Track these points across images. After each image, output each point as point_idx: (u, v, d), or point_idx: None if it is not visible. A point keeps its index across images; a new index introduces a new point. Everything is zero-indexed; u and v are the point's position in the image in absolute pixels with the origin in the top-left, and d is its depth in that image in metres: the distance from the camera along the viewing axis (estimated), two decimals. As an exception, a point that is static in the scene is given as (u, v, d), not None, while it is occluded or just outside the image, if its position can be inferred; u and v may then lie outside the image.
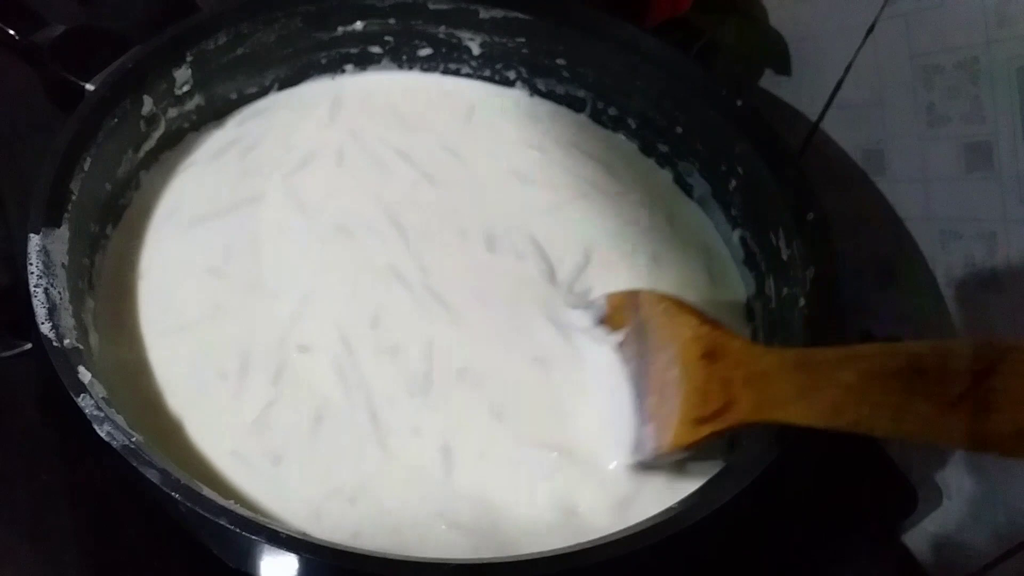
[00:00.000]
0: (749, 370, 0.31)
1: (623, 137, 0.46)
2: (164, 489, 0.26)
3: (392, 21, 0.44)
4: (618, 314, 0.37)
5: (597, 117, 0.46)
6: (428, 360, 0.35)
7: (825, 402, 0.28)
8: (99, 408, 0.27)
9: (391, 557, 0.26)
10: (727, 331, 0.33)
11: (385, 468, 0.33)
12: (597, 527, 0.31)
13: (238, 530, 0.26)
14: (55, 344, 0.29)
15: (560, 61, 0.45)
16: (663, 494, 0.33)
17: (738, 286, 0.41)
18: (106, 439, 0.27)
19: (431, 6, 0.44)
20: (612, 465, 0.34)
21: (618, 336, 0.36)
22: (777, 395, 0.30)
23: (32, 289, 0.30)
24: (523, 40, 0.45)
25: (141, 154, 0.39)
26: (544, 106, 0.47)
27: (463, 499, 0.32)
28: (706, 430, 0.32)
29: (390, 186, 0.41)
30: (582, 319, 0.37)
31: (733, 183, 0.42)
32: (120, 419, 0.28)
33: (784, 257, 0.38)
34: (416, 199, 0.41)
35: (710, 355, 0.32)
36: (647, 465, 0.34)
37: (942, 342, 0.26)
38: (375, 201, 0.40)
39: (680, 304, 0.34)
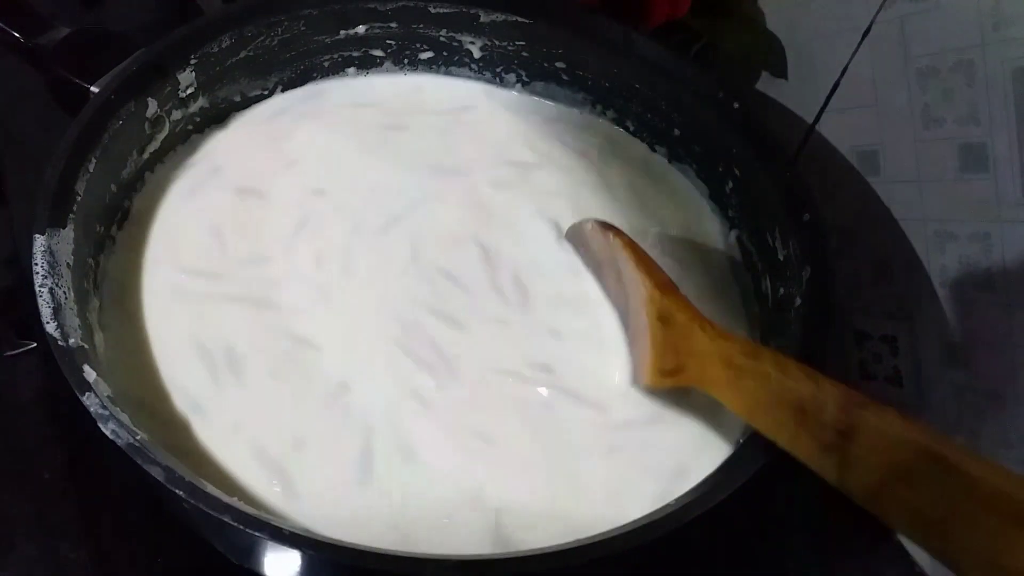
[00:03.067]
0: (690, 346, 0.33)
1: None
2: (168, 486, 0.26)
3: (394, 25, 0.45)
4: (589, 245, 0.39)
5: (596, 119, 0.47)
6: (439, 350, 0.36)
7: (745, 402, 0.30)
8: (104, 406, 0.28)
9: (394, 553, 0.26)
10: (678, 299, 0.34)
11: (397, 470, 0.33)
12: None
13: (242, 527, 0.26)
14: (60, 343, 0.29)
15: (559, 64, 0.46)
16: (662, 493, 0.33)
17: (739, 283, 0.41)
18: (111, 437, 0.27)
19: (432, 10, 0.44)
20: (616, 379, 0.36)
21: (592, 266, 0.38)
22: (711, 376, 0.32)
23: (37, 289, 0.30)
24: (523, 43, 0.45)
25: (146, 155, 0.39)
26: (542, 107, 0.47)
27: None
28: (669, 383, 0.34)
29: (390, 186, 0.42)
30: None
31: (730, 184, 0.42)
32: (124, 417, 0.28)
33: (780, 257, 0.38)
34: (416, 204, 0.41)
35: (663, 319, 0.34)
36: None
37: (822, 388, 0.28)
38: (378, 205, 0.41)
39: (640, 258, 0.36)
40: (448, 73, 0.47)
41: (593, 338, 0.38)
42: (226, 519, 0.26)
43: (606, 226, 0.38)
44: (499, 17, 0.44)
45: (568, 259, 0.40)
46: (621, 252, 0.36)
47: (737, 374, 0.30)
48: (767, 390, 0.29)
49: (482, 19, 0.45)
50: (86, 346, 0.30)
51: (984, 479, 0.23)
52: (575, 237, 0.40)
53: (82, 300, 0.32)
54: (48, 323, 0.29)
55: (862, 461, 0.26)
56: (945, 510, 0.24)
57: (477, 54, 0.46)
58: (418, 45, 0.46)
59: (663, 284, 0.35)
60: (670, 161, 0.45)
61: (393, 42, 0.46)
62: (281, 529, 0.26)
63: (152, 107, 0.38)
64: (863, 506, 0.26)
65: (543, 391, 0.35)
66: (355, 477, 0.32)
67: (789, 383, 0.28)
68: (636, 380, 0.36)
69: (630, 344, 0.37)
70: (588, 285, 0.39)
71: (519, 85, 0.47)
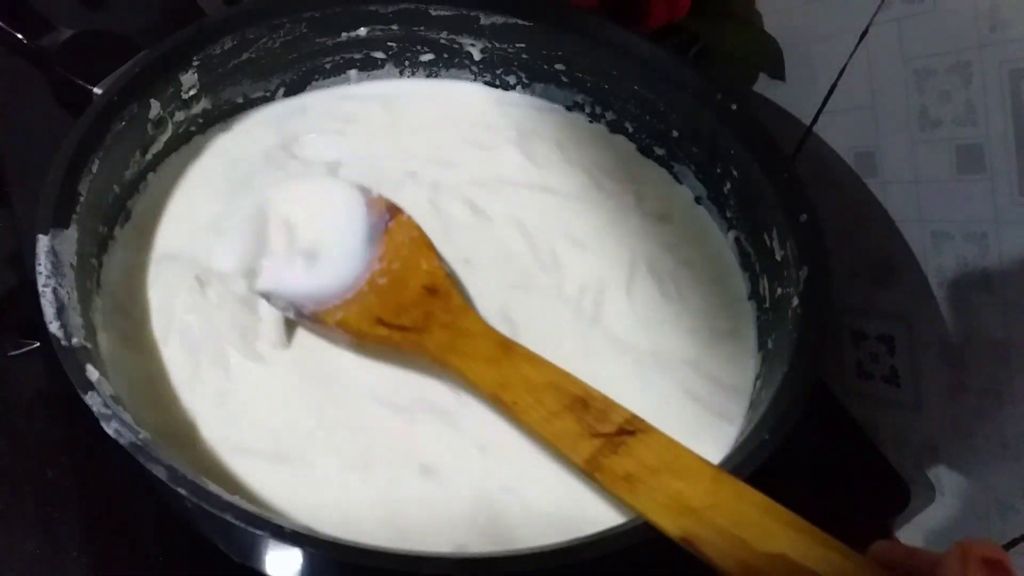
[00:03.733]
0: (456, 320, 0.34)
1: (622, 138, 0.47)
2: (171, 485, 0.26)
3: (395, 27, 0.45)
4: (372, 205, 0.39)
5: (595, 121, 0.47)
6: None
7: (498, 375, 0.32)
8: (106, 405, 0.28)
9: (394, 551, 0.27)
10: (457, 287, 0.36)
11: (399, 470, 0.33)
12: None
13: (243, 525, 0.26)
14: (63, 343, 0.29)
15: (559, 66, 0.46)
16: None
17: (738, 285, 0.42)
18: (113, 436, 0.27)
19: (433, 12, 0.44)
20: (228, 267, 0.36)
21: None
22: (464, 349, 0.33)
23: (40, 289, 0.30)
24: (523, 46, 0.46)
25: (148, 156, 0.39)
26: (541, 110, 0.47)
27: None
28: (381, 332, 0.34)
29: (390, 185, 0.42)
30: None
31: (728, 185, 0.42)
32: (127, 416, 0.28)
33: (778, 258, 0.38)
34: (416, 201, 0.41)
35: (431, 290, 0.36)
36: (270, 298, 0.35)
37: (612, 400, 0.32)
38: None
39: (427, 242, 0.37)
40: (448, 76, 0.47)
41: None
42: (228, 517, 0.26)
43: (396, 207, 0.38)
44: (499, 19, 0.45)
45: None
46: (407, 231, 0.37)
47: (506, 358, 0.33)
48: (546, 379, 0.32)
49: (482, 21, 0.45)
50: (89, 346, 0.30)
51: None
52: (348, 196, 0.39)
53: (85, 300, 0.32)
54: (51, 323, 0.29)
55: (632, 454, 0.29)
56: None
57: (477, 56, 0.46)
58: (419, 47, 0.46)
59: (449, 273, 0.37)
60: (668, 162, 0.45)
61: (394, 44, 0.46)
62: (283, 527, 0.26)
63: (155, 108, 0.39)
64: (609, 488, 0.30)
65: None
66: (358, 476, 0.32)
67: (580, 383, 0.32)
68: (311, 307, 0.35)
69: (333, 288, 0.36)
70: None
71: (519, 87, 0.47)
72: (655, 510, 0.28)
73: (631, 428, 0.30)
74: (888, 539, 0.39)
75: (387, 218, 0.38)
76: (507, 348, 0.33)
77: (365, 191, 0.39)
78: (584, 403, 0.31)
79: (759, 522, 0.27)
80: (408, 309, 0.35)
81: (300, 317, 0.35)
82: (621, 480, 0.29)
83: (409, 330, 0.34)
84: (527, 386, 0.32)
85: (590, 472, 0.30)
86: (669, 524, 0.27)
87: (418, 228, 0.38)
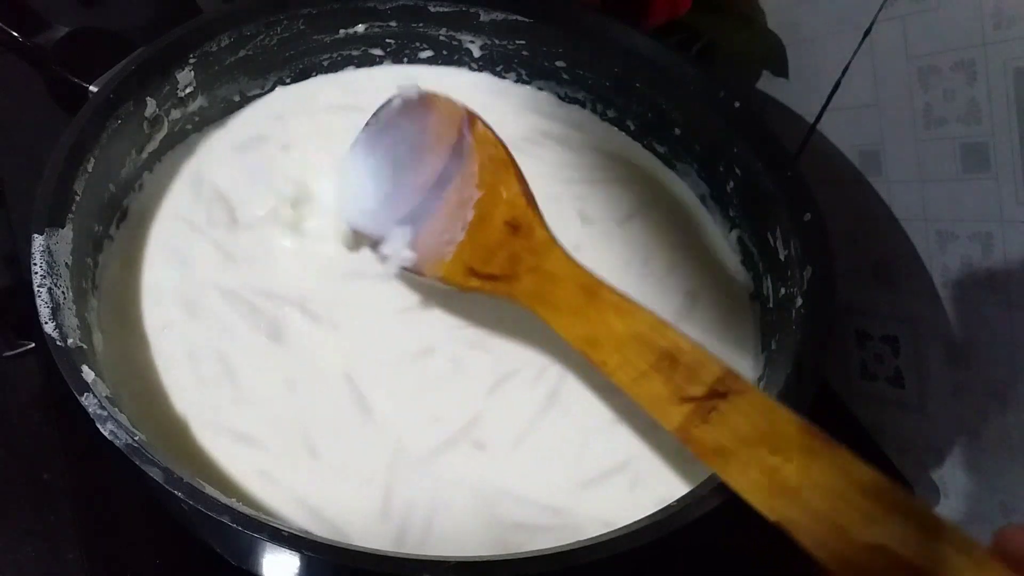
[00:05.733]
0: (541, 262, 0.32)
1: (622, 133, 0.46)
2: (167, 488, 0.26)
3: (393, 24, 0.45)
4: (438, 113, 0.36)
5: (596, 118, 0.47)
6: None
7: (586, 330, 0.30)
8: (102, 407, 0.27)
9: (392, 554, 0.26)
10: (539, 215, 0.33)
11: (401, 470, 0.33)
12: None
13: (240, 528, 0.26)
14: (58, 343, 0.29)
15: (560, 63, 0.46)
16: (663, 494, 0.33)
17: (741, 283, 0.41)
18: (109, 438, 0.27)
19: (432, 9, 0.44)
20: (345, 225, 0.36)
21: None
22: (552, 299, 0.31)
23: (36, 289, 0.30)
24: (523, 42, 0.45)
25: (144, 155, 0.39)
26: (543, 106, 0.47)
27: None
28: (474, 284, 0.33)
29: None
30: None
31: (731, 184, 0.42)
32: (123, 418, 0.28)
33: (782, 257, 0.38)
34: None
35: (514, 227, 0.33)
36: (386, 260, 0.35)
37: (703, 351, 0.29)
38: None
39: (510, 162, 0.34)
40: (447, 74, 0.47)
41: None
42: (225, 520, 0.26)
43: (474, 116, 0.35)
44: (499, 16, 0.44)
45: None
46: (488, 147, 0.34)
47: (592, 306, 0.31)
48: (632, 331, 0.30)
49: (482, 18, 0.44)
50: (85, 346, 0.30)
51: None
52: (406, 106, 0.37)
53: (81, 300, 0.32)
54: (47, 323, 0.29)
55: (726, 421, 0.27)
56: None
57: (477, 53, 0.46)
58: (417, 44, 0.46)
59: (528, 193, 0.34)
60: (670, 160, 0.45)
61: (392, 41, 0.46)
62: (280, 530, 0.26)
63: (151, 107, 0.38)
64: (702, 458, 0.28)
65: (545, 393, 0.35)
66: (358, 479, 0.32)
67: (669, 333, 0.30)
68: (419, 268, 0.34)
69: (408, 225, 0.35)
70: None
71: (519, 84, 0.47)
72: (748, 489, 0.26)
73: (723, 389, 0.28)
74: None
75: (467, 131, 0.34)
76: (593, 294, 0.31)
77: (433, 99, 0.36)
78: (673, 359, 0.29)
79: (860, 505, 0.24)
80: (495, 252, 0.32)
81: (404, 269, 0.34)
82: (712, 453, 0.27)
83: (499, 279, 0.32)
84: (614, 342, 0.30)
85: (682, 441, 0.28)
86: (763, 506, 0.26)
87: (497, 143, 0.34)
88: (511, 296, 0.32)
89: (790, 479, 0.25)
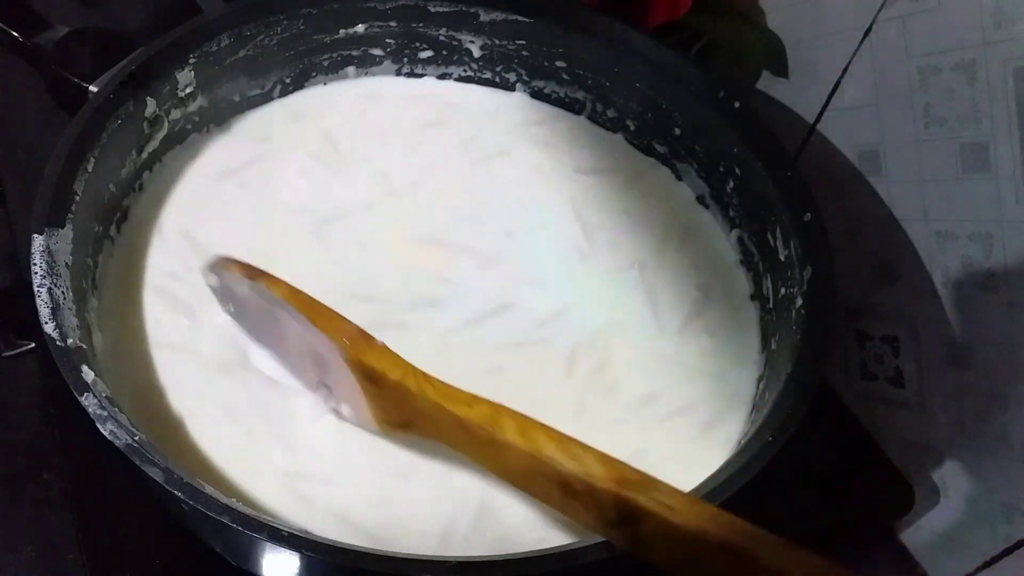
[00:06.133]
0: (411, 405, 0.29)
1: (621, 137, 0.46)
2: (167, 487, 0.26)
3: (393, 24, 0.45)
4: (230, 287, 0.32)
5: (596, 119, 0.47)
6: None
7: (498, 468, 0.28)
8: (102, 407, 0.27)
9: (392, 555, 0.26)
10: (381, 355, 0.29)
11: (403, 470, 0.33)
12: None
13: (240, 528, 0.26)
14: (58, 343, 0.29)
15: (560, 63, 0.46)
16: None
17: (741, 285, 0.41)
18: (109, 438, 0.27)
19: (432, 9, 0.44)
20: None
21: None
22: (449, 436, 0.28)
23: (36, 289, 0.30)
24: (523, 43, 0.45)
25: (144, 155, 0.39)
26: (544, 107, 0.47)
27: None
28: (403, 433, 0.30)
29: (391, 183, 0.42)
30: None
31: (731, 184, 0.42)
32: (123, 418, 0.28)
33: (781, 257, 0.38)
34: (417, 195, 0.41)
35: (371, 379, 0.29)
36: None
37: (586, 466, 0.26)
38: (377, 200, 0.41)
39: (314, 308, 0.30)
40: (447, 74, 0.47)
41: None
42: (225, 520, 0.26)
43: (250, 269, 0.31)
44: (499, 16, 0.44)
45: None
46: (286, 304, 0.30)
47: (478, 441, 0.28)
48: (519, 462, 0.27)
49: (482, 18, 0.44)
50: (84, 346, 0.30)
51: (783, 568, 0.22)
52: (214, 273, 0.33)
53: (80, 300, 0.32)
54: (47, 323, 0.29)
55: (652, 542, 0.25)
56: None
57: (477, 53, 0.46)
58: (417, 44, 0.46)
59: (355, 338, 0.29)
60: (670, 160, 0.45)
61: (392, 41, 0.45)
62: (280, 530, 0.26)
63: (151, 107, 0.38)
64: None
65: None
66: (357, 480, 0.32)
67: (544, 458, 0.26)
68: (362, 423, 0.31)
69: (320, 388, 0.32)
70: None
71: (519, 84, 0.47)
72: None
73: (627, 512, 0.25)
74: (891, 541, 0.38)
75: (258, 287, 0.30)
76: (466, 430, 0.28)
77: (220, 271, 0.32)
78: (569, 490, 0.26)
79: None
80: (388, 402, 0.30)
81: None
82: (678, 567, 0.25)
83: (411, 425, 0.30)
84: (518, 474, 0.28)
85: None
86: None
87: (296, 292, 0.30)
88: (429, 438, 0.30)
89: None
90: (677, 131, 0.44)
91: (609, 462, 0.26)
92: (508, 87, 0.47)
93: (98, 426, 0.27)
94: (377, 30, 0.45)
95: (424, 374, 0.29)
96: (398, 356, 0.30)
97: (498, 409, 0.28)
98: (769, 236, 0.39)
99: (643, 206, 0.43)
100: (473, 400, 0.28)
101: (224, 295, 0.33)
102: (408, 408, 0.29)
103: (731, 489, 0.29)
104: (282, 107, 0.44)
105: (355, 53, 0.45)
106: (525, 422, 0.27)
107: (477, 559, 0.28)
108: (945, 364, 0.39)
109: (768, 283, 0.39)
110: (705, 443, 0.35)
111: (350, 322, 0.30)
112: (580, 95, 0.46)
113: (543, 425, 0.27)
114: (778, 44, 0.46)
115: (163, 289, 0.36)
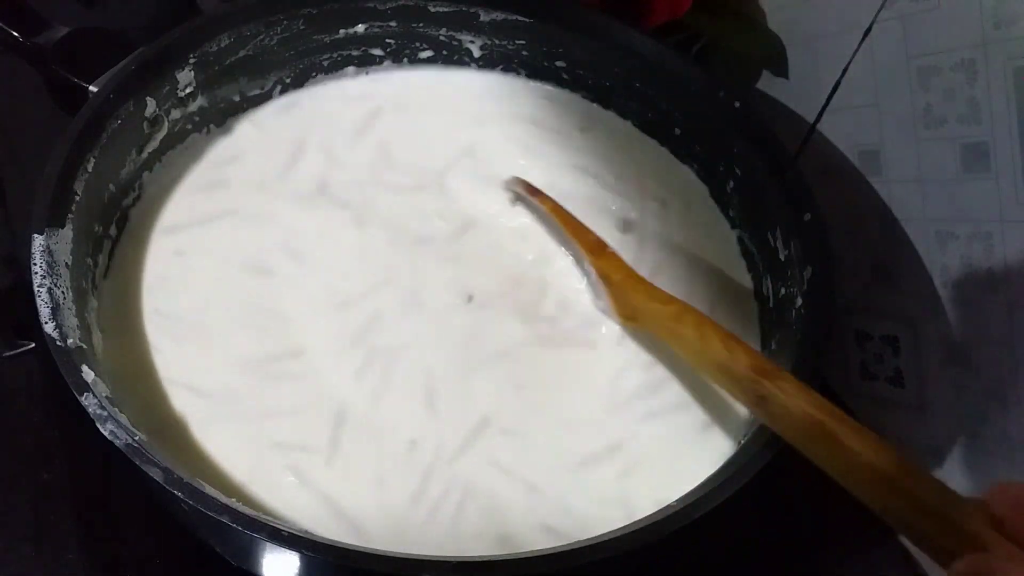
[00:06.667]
0: (631, 301, 0.37)
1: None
2: (167, 487, 0.26)
3: (393, 24, 0.45)
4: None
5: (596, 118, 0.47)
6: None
7: (685, 354, 0.35)
8: (102, 407, 0.28)
9: (393, 554, 0.26)
10: (610, 260, 0.38)
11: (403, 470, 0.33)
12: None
13: (240, 528, 0.26)
14: (58, 343, 0.29)
15: (560, 63, 0.46)
16: (660, 493, 0.33)
17: (741, 283, 0.41)
18: (109, 438, 0.27)
19: (432, 9, 0.44)
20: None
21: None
22: (656, 327, 0.36)
23: (36, 289, 0.30)
24: (523, 42, 0.45)
25: (144, 155, 0.39)
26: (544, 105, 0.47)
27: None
28: (632, 325, 0.37)
29: (391, 182, 0.42)
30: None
31: (731, 184, 0.42)
32: (123, 418, 0.28)
33: (782, 257, 0.38)
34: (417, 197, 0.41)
35: (603, 277, 0.38)
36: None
37: (734, 356, 0.32)
38: (378, 199, 0.41)
39: (567, 220, 0.39)
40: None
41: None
42: (225, 520, 0.26)
43: (531, 188, 0.41)
44: (499, 16, 0.44)
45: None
46: (550, 216, 0.40)
47: (669, 332, 0.35)
48: (694, 351, 0.34)
49: (482, 18, 0.44)
50: (85, 346, 0.30)
51: (857, 451, 0.28)
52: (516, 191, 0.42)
53: (81, 300, 0.32)
54: (47, 323, 0.29)
55: (776, 419, 0.30)
56: (838, 471, 0.29)
57: (477, 53, 0.46)
58: (418, 44, 0.46)
59: (593, 245, 0.38)
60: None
61: (392, 41, 0.46)
62: (280, 530, 0.26)
63: (151, 106, 0.38)
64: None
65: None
66: (357, 481, 0.32)
67: (708, 347, 0.33)
68: (608, 314, 0.38)
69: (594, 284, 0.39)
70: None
71: (521, 81, 0.47)
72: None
73: (758, 389, 0.31)
74: (891, 541, 0.39)
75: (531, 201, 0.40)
76: (667, 324, 0.35)
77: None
78: (725, 369, 0.32)
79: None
80: (615, 296, 0.37)
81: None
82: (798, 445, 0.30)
83: (634, 319, 0.37)
84: (695, 360, 0.34)
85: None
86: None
87: (552, 208, 0.39)
88: (649, 330, 0.37)
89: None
90: (677, 131, 0.44)
91: (752, 355, 0.32)
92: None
93: (98, 426, 0.27)
94: (377, 30, 0.45)
95: (638, 277, 0.37)
96: (622, 261, 0.38)
97: (686, 308, 0.35)
98: (769, 236, 0.39)
99: (642, 206, 0.43)
100: (668, 299, 0.36)
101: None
102: (629, 304, 0.37)
103: (732, 488, 0.29)
104: (282, 107, 0.44)
105: (355, 53, 0.45)
106: (700, 321, 0.34)
107: (477, 559, 0.28)
108: (945, 364, 0.39)
109: (768, 283, 0.39)
110: (706, 442, 0.35)
111: (592, 233, 0.39)
112: (580, 94, 0.46)
113: (713, 324, 0.34)
114: (778, 44, 0.46)
115: (163, 288, 0.36)
